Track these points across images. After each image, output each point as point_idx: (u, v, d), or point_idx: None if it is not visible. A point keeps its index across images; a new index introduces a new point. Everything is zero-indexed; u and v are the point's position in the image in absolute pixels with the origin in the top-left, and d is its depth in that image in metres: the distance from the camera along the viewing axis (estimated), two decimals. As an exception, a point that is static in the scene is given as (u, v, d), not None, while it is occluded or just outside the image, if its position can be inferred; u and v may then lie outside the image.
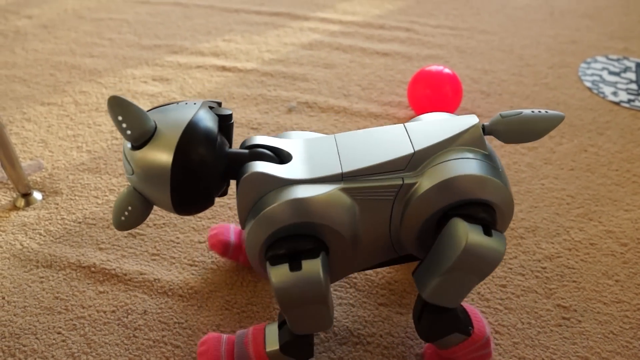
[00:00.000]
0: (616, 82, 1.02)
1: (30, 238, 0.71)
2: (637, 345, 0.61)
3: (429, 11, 1.26)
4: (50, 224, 0.73)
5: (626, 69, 1.06)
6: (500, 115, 0.53)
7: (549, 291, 0.66)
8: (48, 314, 0.63)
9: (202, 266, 0.68)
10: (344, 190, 0.50)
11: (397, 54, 1.10)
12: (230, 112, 0.54)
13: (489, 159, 0.52)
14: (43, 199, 0.77)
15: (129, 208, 0.52)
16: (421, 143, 0.52)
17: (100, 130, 0.89)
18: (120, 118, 0.48)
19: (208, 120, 0.51)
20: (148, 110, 0.53)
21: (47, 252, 0.70)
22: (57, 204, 0.76)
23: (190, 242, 0.71)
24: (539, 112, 0.53)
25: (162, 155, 0.49)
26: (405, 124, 0.55)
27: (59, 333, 0.61)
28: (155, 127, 0.50)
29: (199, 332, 0.61)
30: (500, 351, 0.59)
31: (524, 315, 0.63)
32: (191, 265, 0.68)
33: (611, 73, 1.04)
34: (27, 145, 0.86)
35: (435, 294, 0.51)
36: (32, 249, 0.70)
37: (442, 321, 0.53)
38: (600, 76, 1.03)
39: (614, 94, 0.99)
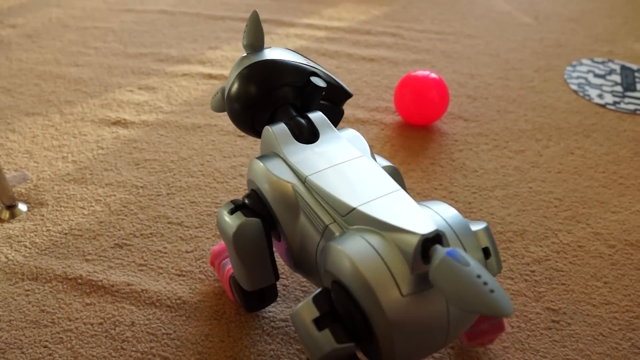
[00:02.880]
0: (602, 85, 1.02)
1: (15, 250, 0.71)
2: (627, 347, 0.61)
3: (415, 16, 1.26)
4: (35, 235, 0.73)
5: (611, 72, 1.06)
6: (447, 252, 0.40)
7: (538, 294, 0.66)
8: (34, 328, 0.62)
9: (189, 276, 0.68)
10: (295, 189, 0.52)
11: (383, 60, 1.10)
12: (320, 85, 0.59)
13: (414, 280, 0.43)
14: (28, 210, 0.76)
15: (217, 94, 0.63)
16: (373, 209, 0.47)
17: (86, 140, 0.89)
18: (245, 29, 0.60)
19: (281, 72, 0.59)
20: (284, 48, 0.62)
21: (33, 264, 0.69)
22: (43, 216, 0.76)
23: (178, 252, 0.70)
24: (485, 283, 0.37)
25: (235, 70, 0.59)
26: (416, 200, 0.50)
27: (45, 347, 0.60)
28: (259, 53, 0.60)
29: (188, 342, 0.61)
30: (490, 356, 0.59)
31: (514, 319, 0.63)
32: (179, 276, 0.68)
33: (596, 76, 1.05)
34: (11, 156, 0.85)
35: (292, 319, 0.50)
36: (17, 261, 0.69)
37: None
38: (586, 79, 1.04)
39: (600, 96, 0.99)
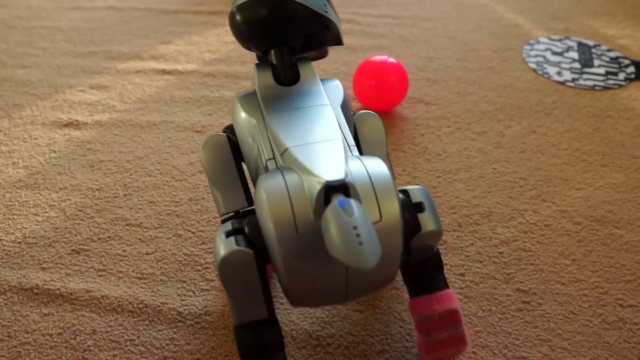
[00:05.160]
0: (560, 62, 1.02)
1: (-34, 263, 0.67)
2: (597, 323, 0.60)
3: (371, 1, 1.25)
4: (-13, 246, 0.69)
5: (568, 49, 1.06)
6: (338, 201, 0.42)
7: (507, 276, 0.65)
8: (-11, 343, 0.59)
9: (151, 278, 0.65)
10: (256, 125, 0.54)
11: (340, 46, 1.08)
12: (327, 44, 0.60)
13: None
14: (-22, 220, 0.73)
15: None
16: (301, 152, 0.49)
17: (37, 144, 0.85)
18: None
19: (298, 18, 0.56)
20: None
21: (-15, 276, 0.66)
22: (-6, 225, 0.72)
23: (138, 254, 0.68)
24: (357, 235, 0.38)
25: None
26: (353, 152, 0.51)
27: (1, 362, 0.58)
28: None
29: (152, 347, 0.58)
30: (462, 341, 0.58)
31: (484, 302, 0.63)
32: (140, 279, 0.65)
33: (554, 53, 1.05)
34: (-42, 164, 0.82)
35: None
36: (-32, 274, 0.66)
37: None
38: (544, 57, 1.04)
39: (559, 73, 0.99)
